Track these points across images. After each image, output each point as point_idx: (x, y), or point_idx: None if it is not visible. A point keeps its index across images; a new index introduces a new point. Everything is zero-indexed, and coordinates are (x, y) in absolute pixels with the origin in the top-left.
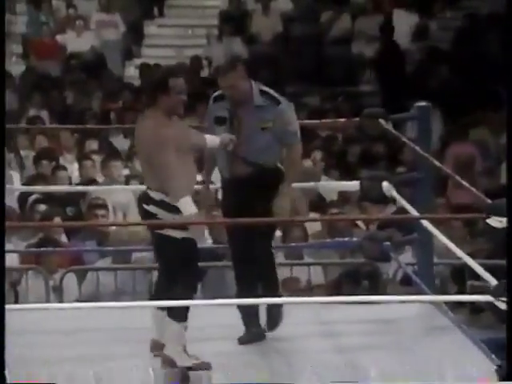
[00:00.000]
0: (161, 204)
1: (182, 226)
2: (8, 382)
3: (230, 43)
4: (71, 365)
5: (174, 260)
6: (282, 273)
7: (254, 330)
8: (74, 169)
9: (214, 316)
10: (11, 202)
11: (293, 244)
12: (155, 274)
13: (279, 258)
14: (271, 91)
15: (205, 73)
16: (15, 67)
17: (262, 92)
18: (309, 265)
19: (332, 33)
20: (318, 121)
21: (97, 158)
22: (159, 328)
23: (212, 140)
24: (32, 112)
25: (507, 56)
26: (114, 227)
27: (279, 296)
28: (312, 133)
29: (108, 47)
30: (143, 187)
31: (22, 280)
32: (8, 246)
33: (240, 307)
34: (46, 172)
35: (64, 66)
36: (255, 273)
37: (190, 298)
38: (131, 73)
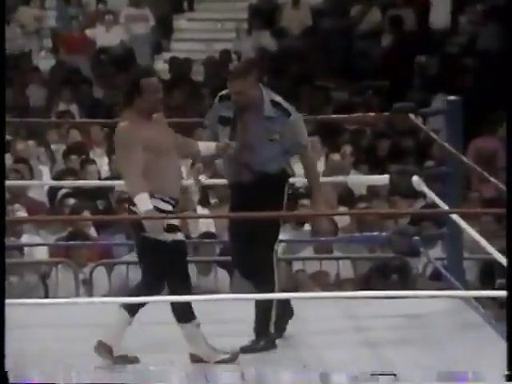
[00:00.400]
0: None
1: (171, 228)
2: (8, 382)
3: (259, 37)
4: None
5: (163, 264)
6: (312, 267)
7: (262, 341)
8: (103, 163)
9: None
10: (41, 196)
11: (322, 238)
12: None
13: (308, 251)
14: (282, 102)
15: (234, 66)
16: (44, 62)
17: (274, 103)
18: (338, 259)
19: (362, 26)
20: (347, 115)
21: None
22: (115, 330)
23: (206, 146)
24: (62, 106)
25: (507, 56)
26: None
27: (271, 303)
28: (341, 127)
29: (137, 41)
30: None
31: (51, 273)
32: (37, 240)
33: (256, 314)
34: (76, 166)
35: (93, 61)
36: (252, 277)
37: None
38: (160, 67)
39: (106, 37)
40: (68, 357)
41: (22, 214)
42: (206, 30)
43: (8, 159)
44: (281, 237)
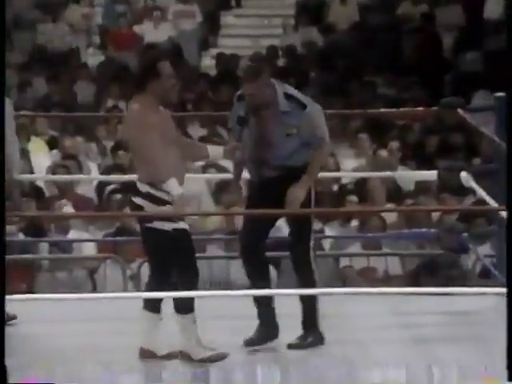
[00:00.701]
0: (146, 196)
1: (172, 217)
2: (8, 382)
3: (306, 33)
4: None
5: (168, 253)
6: (359, 263)
7: (310, 337)
8: None
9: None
10: (89, 192)
11: (370, 234)
12: (232, 262)
13: (356, 247)
14: (297, 94)
15: (281, 62)
16: (93, 58)
17: (288, 96)
18: (385, 255)
19: (410, 22)
20: (394, 109)
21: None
22: (149, 333)
23: (215, 151)
24: (110, 102)
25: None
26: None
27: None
28: (389, 123)
29: (185, 37)
30: (220, 176)
31: (99, 269)
32: (85, 236)
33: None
34: (124, 162)
35: (141, 57)
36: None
37: (194, 287)
38: (207, 63)
39: (153, 33)
40: (124, 350)
41: (69, 209)
42: (253, 26)
43: (56, 155)
44: (328, 233)
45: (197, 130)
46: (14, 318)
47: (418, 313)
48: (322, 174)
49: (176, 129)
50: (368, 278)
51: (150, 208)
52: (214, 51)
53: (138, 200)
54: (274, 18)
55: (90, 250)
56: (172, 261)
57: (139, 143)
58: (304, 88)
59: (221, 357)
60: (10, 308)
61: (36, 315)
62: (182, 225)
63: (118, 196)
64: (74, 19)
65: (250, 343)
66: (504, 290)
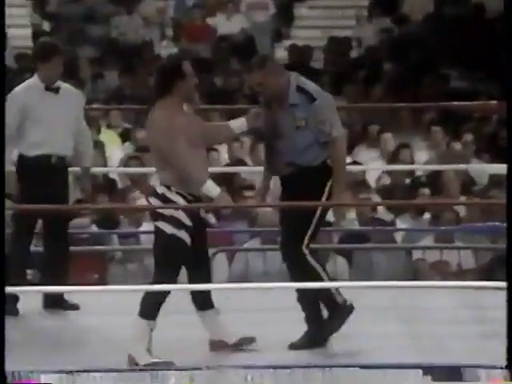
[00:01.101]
0: (161, 197)
1: (175, 223)
2: (8, 382)
3: (379, 24)
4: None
5: (160, 254)
6: (432, 256)
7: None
8: (223, 150)
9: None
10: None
11: (442, 227)
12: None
13: (428, 240)
14: (308, 86)
15: (354, 54)
16: (166, 50)
17: (299, 88)
18: (458, 248)
19: (485, 13)
20: (469, 102)
21: (246, 140)
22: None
23: (236, 123)
24: None
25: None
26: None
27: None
28: (463, 115)
29: (258, 29)
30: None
31: None
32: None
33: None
34: None
35: (214, 49)
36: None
37: (161, 296)
38: (280, 54)
39: (226, 25)
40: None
41: (143, 202)
42: (326, 17)
43: (129, 148)
44: (400, 225)
45: None
46: (77, 308)
47: (492, 307)
48: (395, 167)
49: (200, 121)
50: (441, 271)
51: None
52: (286, 43)
53: (152, 200)
54: (347, 8)
55: None
56: (156, 261)
57: (168, 150)
58: (376, 80)
59: (165, 365)
60: (78, 298)
61: (107, 306)
62: (181, 234)
63: None
64: (147, 12)
65: (295, 347)
66: None
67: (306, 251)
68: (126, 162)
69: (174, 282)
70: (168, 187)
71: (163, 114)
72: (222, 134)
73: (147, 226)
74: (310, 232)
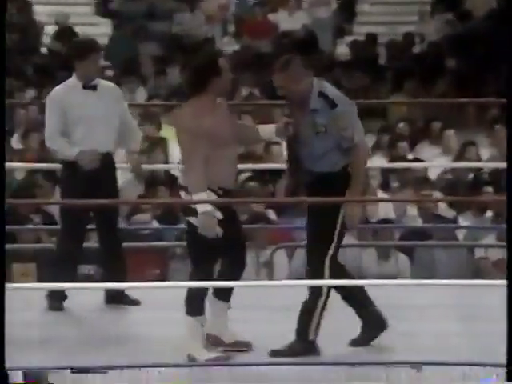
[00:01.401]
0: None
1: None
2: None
3: (442, 19)
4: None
5: (195, 250)
6: (495, 254)
7: (299, 344)
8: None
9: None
10: None
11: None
12: (363, 251)
13: (491, 239)
14: (330, 92)
15: (416, 50)
16: (228, 47)
17: (321, 94)
18: None
19: None
20: None
21: None
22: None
23: (264, 129)
24: (244, 91)
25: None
26: None
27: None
28: None
29: (319, 25)
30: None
31: None
32: None
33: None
34: (257, 150)
35: (275, 45)
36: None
37: (202, 291)
38: (342, 50)
39: (288, 21)
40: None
41: (203, 196)
42: (388, 12)
43: None
44: (462, 223)
45: None
46: (137, 303)
47: None
48: (460, 164)
49: (232, 118)
50: (503, 269)
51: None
52: (348, 39)
53: (183, 195)
54: (410, 4)
55: None
56: (192, 256)
57: (183, 149)
58: (438, 76)
59: (225, 358)
60: (138, 294)
61: (165, 302)
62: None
63: (252, 184)
64: (210, 9)
65: (355, 344)
66: None
67: (328, 263)
68: None
69: (211, 275)
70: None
71: (191, 112)
72: (250, 137)
73: None
74: (333, 244)
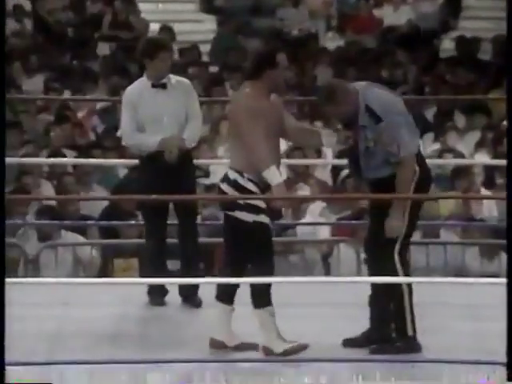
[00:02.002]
0: (233, 183)
1: (254, 209)
2: (8, 381)
3: None
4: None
5: (245, 244)
6: None
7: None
8: None
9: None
10: (323, 175)
11: None
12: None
13: None
14: (376, 103)
15: None
16: (331, 42)
17: (367, 108)
18: None
19: None
20: None
21: None
22: (221, 323)
23: (328, 137)
24: None
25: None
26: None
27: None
28: None
29: (425, 20)
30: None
31: (333, 252)
32: (319, 219)
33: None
34: None
35: (380, 40)
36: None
37: (269, 284)
38: (447, 46)
39: (393, 16)
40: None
41: (305, 192)
42: (495, 7)
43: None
44: None
45: (433, 114)
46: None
47: None
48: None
49: (283, 114)
50: None
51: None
52: (453, 34)
53: (224, 186)
54: None
55: (324, 233)
56: (248, 253)
57: (244, 129)
58: None
59: (302, 348)
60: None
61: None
62: (262, 218)
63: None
64: (313, 4)
65: (349, 344)
66: None
67: (397, 258)
68: (289, 153)
69: (271, 266)
70: (240, 173)
71: (249, 94)
72: (311, 140)
73: (311, 217)
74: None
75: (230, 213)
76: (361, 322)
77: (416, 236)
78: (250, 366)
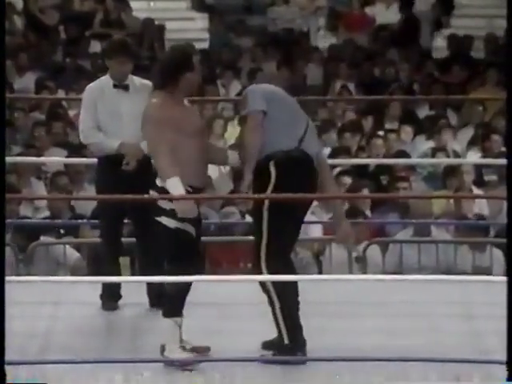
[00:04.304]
0: (159, 189)
1: (176, 216)
2: (7, 382)
3: None
4: (377, 337)
5: (165, 249)
6: None
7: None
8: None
9: None
10: None
11: None
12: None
13: None
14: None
15: None
16: (323, 41)
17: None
18: None
19: None
20: None
21: (407, 129)
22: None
23: (233, 155)
24: (338, 84)
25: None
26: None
27: None
28: None
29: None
30: (448, 160)
31: (325, 251)
32: (311, 218)
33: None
34: (351, 144)
35: (372, 38)
36: None
37: (182, 291)
38: (439, 44)
39: (385, 14)
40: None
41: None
42: (488, 5)
43: None
44: None
45: (425, 112)
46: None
47: None
48: None
49: (198, 119)
50: None
51: (159, 201)
52: (446, 32)
53: (152, 193)
54: None
55: (316, 232)
56: (166, 258)
57: (149, 137)
58: None
59: (202, 355)
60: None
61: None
62: (186, 226)
63: (347, 179)
64: (304, 2)
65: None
66: None
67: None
68: None
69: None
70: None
71: (153, 105)
72: (215, 155)
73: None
74: None
75: (157, 218)
76: (355, 320)
77: (407, 234)
78: None
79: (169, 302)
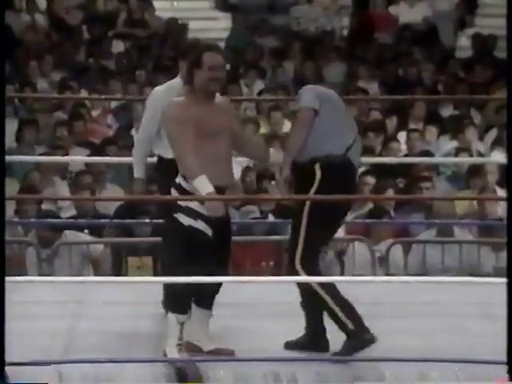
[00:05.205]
0: (178, 187)
1: (192, 213)
2: (8, 381)
3: None
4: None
5: (177, 246)
6: None
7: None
8: (402, 141)
9: None
10: None
11: None
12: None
13: None
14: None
15: None
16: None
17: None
18: None
19: None
20: None
21: (432, 130)
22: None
23: (276, 155)
24: (361, 84)
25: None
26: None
27: None
28: None
29: (441, 17)
30: (472, 159)
31: (347, 250)
32: None
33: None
34: (373, 144)
35: (396, 38)
36: None
37: (185, 289)
38: (463, 43)
39: (409, 13)
40: None
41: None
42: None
43: None
44: None
45: (449, 112)
46: None
47: None
48: None
49: (232, 119)
50: None
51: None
52: (470, 31)
53: (172, 191)
54: None
55: (339, 231)
56: (180, 255)
57: (170, 140)
58: None
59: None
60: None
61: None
62: (200, 224)
63: (370, 178)
64: (326, 1)
65: (291, 346)
66: None
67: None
68: None
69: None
70: (184, 177)
71: (178, 101)
72: (256, 154)
73: None
74: None
75: (174, 215)
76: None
77: (431, 234)
78: None
79: (172, 297)
